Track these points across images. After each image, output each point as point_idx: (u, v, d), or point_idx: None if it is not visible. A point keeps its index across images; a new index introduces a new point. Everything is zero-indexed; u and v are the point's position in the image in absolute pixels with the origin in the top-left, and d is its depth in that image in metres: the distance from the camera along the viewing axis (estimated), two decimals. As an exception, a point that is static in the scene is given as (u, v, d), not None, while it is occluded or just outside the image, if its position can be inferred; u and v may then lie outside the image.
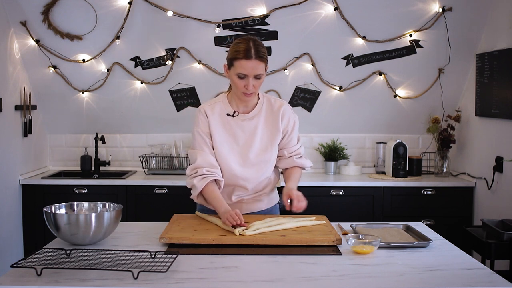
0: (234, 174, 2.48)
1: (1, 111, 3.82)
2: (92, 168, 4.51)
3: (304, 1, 3.97)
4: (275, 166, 2.60)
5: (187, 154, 4.47)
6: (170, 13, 3.99)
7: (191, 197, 2.52)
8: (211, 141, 2.48)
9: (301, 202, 2.39)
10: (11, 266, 1.81)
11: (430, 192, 4.14)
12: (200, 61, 4.23)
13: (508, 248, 2.81)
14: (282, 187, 4.23)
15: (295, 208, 2.39)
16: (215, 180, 2.45)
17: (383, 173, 4.46)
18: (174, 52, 4.20)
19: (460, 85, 4.36)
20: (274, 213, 2.67)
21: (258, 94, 2.54)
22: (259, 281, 1.78)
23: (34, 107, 4.33)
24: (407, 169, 4.30)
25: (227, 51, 4.09)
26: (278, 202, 2.73)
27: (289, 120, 2.54)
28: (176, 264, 1.91)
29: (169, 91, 4.37)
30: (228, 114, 2.49)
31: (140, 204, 4.12)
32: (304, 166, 2.61)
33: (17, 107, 4.06)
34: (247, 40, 2.38)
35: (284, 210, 4.06)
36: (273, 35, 4.13)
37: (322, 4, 4.00)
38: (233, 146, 2.48)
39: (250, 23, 4.09)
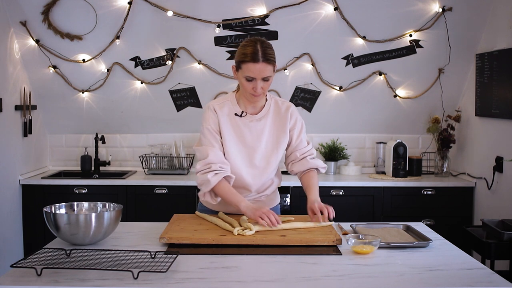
0: (239, 174, 2.48)
1: (1, 111, 3.82)
2: (92, 168, 4.51)
3: (304, 1, 3.97)
4: (290, 170, 2.62)
5: (187, 154, 4.50)
6: (170, 13, 3.99)
7: (200, 193, 2.46)
8: (221, 138, 2.46)
9: (325, 212, 2.35)
10: (11, 266, 1.81)
11: (430, 192, 4.14)
12: (200, 61, 4.23)
13: (508, 248, 2.81)
14: (284, 187, 4.23)
15: (324, 219, 2.35)
16: (225, 177, 2.42)
17: (383, 173, 4.46)
18: (174, 52, 4.20)
19: (460, 85, 4.36)
20: None
21: (266, 95, 2.54)
22: (259, 281, 1.78)
23: (34, 107, 4.33)
24: (407, 169, 4.30)
25: (227, 51, 4.16)
26: (279, 203, 2.73)
27: (297, 121, 2.54)
28: (176, 264, 1.91)
29: (169, 91, 4.37)
30: (236, 114, 2.48)
31: (140, 204, 4.12)
32: (318, 167, 2.59)
33: (17, 107, 4.06)
34: (255, 42, 2.35)
35: (285, 211, 4.05)
36: (273, 35, 4.13)
37: (322, 4, 4.00)
38: (240, 146, 2.48)
39: (250, 23, 4.09)
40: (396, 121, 4.54)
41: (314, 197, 2.45)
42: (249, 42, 2.37)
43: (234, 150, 2.47)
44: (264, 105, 2.52)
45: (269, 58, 2.34)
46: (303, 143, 2.57)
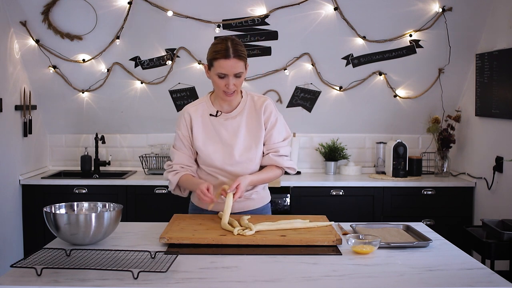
0: (220, 172, 2.51)
1: (1, 111, 3.82)
2: (92, 168, 4.51)
3: (304, 1, 3.97)
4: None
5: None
6: (170, 13, 3.99)
7: (169, 189, 2.65)
8: (191, 143, 2.54)
9: (232, 188, 2.34)
10: (11, 266, 1.81)
11: (430, 192, 4.14)
12: (200, 61, 4.23)
13: (508, 248, 2.81)
14: (284, 187, 4.22)
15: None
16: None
17: (383, 173, 4.46)
18: (174, 52, 4.20)
19: (460, 85, 4.36)
20: (265, 212, 2.66)
21: (242, 92, 2.56)
22: (259, 281, 1.78)
23: (34, 107, 4.33)
24: (407, 169, 4.30)
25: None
26: (270, 201, 2.73)
27: (271, 116, 2.52)
28: (176, 264, 1.91)
29: (169, 91, 4.37)
30: (211, 115, 2.52)
31: (140, 204, 4.12)
32: (282, 165, 2.54)
33: (17, 107, 4.06)
34: (225, 39, 2.40)
35: (277, 210, 4.04)
36: (273, 35, 4.13)
37: (322, 4, 4.00)
38: (218, 145, 2.51)
39: (250, 23, 4.09)
40: (396, 121, 4.54)
41: (249, 177, 2.42)
42: (220, 40, 2.42)
43: (213, 150, 2.50)
44: (240, 103, 2.53)
45: (240, 54, 2.38)
46: (273, 139, 2.53)
